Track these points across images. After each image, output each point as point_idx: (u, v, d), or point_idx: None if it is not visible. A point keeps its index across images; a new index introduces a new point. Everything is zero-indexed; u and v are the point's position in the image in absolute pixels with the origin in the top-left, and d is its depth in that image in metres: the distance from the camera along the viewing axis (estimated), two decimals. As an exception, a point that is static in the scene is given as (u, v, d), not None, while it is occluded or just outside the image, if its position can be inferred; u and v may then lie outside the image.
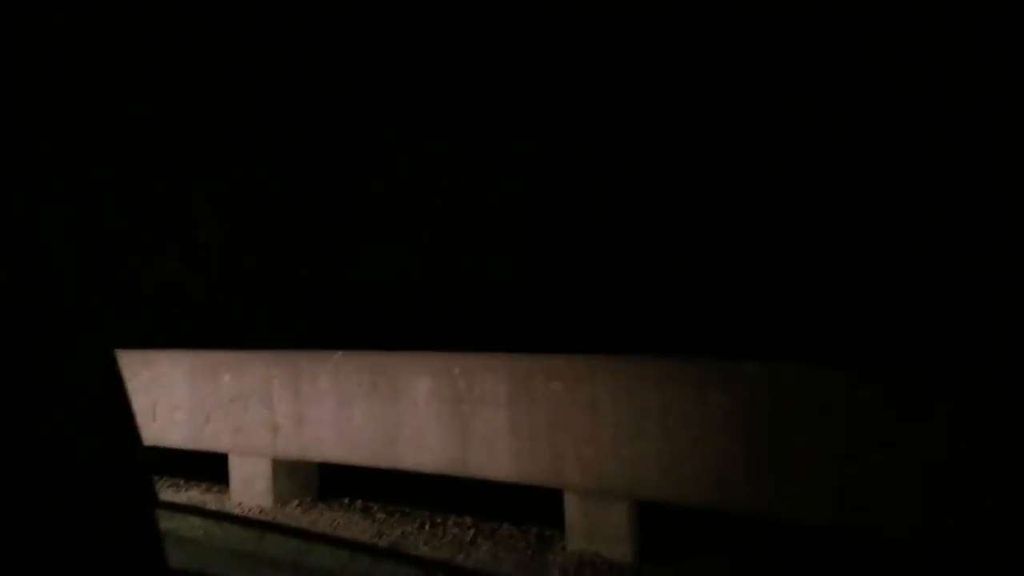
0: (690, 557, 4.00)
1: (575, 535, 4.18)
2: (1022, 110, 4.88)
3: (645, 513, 4.06)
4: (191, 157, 8.10)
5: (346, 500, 5.24)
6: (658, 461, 3.90)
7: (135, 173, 7.93)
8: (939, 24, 5.21)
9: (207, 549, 4.13)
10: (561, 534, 4.26)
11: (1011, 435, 3.15)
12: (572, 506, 4.20)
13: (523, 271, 6.65)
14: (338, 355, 5.06)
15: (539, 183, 6.81)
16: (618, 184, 6.48)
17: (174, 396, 5.63)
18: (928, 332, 4.83)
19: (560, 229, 6.72)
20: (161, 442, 5.60)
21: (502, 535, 4.46)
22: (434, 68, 7.10)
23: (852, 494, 3.45)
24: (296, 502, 5.26)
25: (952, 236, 5.15)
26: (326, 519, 4.94)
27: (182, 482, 5.78)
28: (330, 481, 5.38)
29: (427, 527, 4.65)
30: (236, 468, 5.42)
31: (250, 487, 5.33)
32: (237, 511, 5.19)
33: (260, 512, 5.14)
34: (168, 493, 5.55)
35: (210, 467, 5.62)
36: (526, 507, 4.53)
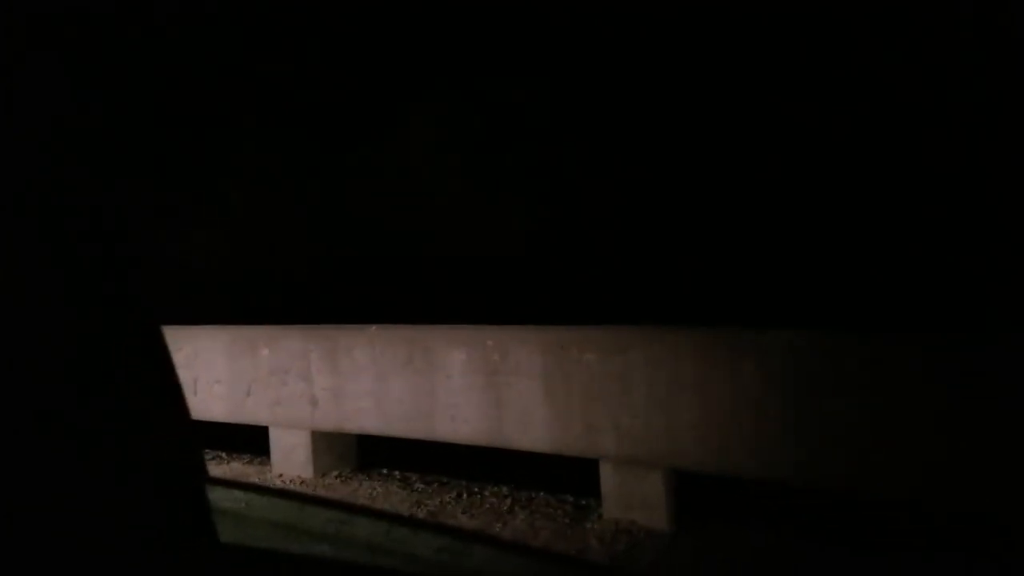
0: (726, 524, 4.02)
1: (611, 504, 4.21)
2: (1022, 110, 4.78)
3: (680, 481, 4.08)
4: (207, 137, 8.17)
5: (384, 471, 5.33)
6: (693, 430, 3.92)
7: (151, 153, 8.02)
8: (939, 24, 5.11)
9: (250, 521, 4.23)
10: (597, 503, 4.30)
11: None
12: (607, 475, 4.23)
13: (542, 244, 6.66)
14: (374, 329, 5.11)
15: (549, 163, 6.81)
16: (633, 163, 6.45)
17: (214, 370, 5.74)
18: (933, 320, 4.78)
19: (570, 206, 6.72)
20: (203, 415, 5.72)
21: (538, 504, 4.51)
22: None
23: (886, 459, 3.44)
24: (335, 473, 5.35)
25: (952, 232, 5.09)
26: (365, 489, 5.03)
27: (224, 455, 5.90)
28: (369, 453, 5.47)
29: (464, 496, 4.72)
30: (276, 440, 5.53)
31: (290, 459, 5.43)
32: (278, 482, 5.31)
33: (301, 483, 5.25)
34: (211, 466, 5.67)
35: (251, 440, 5.74)
36: (562, 477, 4.58)
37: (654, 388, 4.03)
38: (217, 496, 4.53)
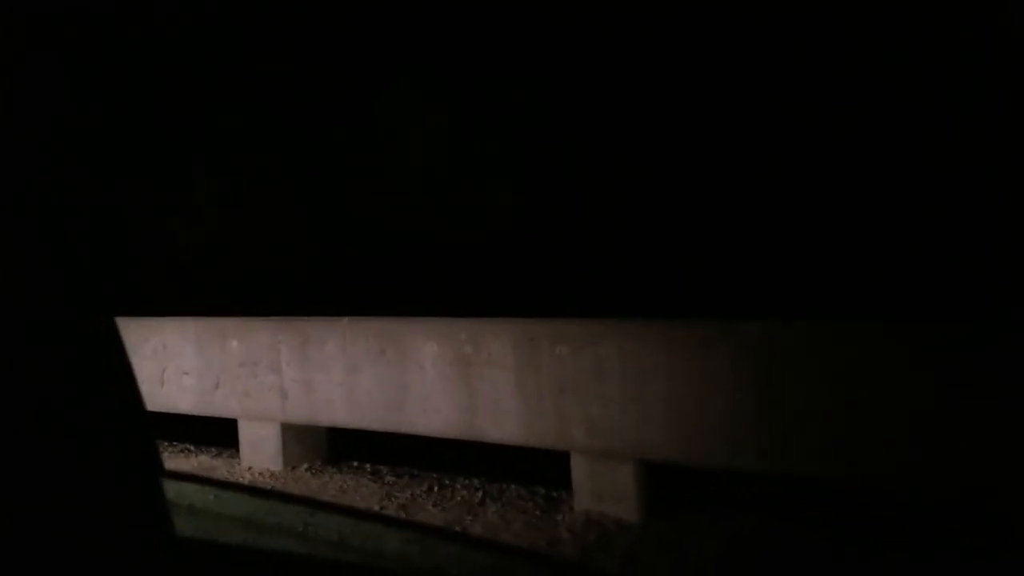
0: (696, 515, 4.04)
1: (582, 495, 4.21)
2: (1022, 110, 4.84)
3: (651, 473, 4.09)
4: (189, 121, 8.07)
5: (355, 464, 5.29)
6: (664, 422, 3.92)
7: (128, 142, 7.91)
8: (939, 24, 5.15)
9: (216, 516, 4.17)
10: (568, 495, 4.30)
11: (1004, 380, 3.18)
12: (579, 467, 4.23)
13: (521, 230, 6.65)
14: (346, 321, 5.07)
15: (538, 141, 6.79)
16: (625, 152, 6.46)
17: (182, 362, 5.66)
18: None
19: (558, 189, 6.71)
20: (171, 408, 5.65)
21: (510, 496, 4.50)
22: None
23: (855, 445, 3.47)
24: (305, 466, 5.31)
25: (953, 232, 5.15)
26: (335, 483, 4.99)
27: (192, 448, 5.83)
28: (339, 445, 5.43)
29: (436, 490, 4.69)
30: (246, 433, 5.46)
31: (260, 451, 5.38)
32: (247, 475, 5.25)
33: (270, 476, 5.20)
34: (178, 459, 5.60)
35: (220, 432, 5.67)
36: (534, 469, 4.57)
37: (626, 380, 4.03)
38: (183, 491, 4.47)
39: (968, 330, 3.40)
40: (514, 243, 6.60)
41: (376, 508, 4.50)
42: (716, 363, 3.78)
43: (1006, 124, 4.94)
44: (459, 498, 4.56)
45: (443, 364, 4.62)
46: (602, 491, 4.14)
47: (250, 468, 5.36)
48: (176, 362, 5.68)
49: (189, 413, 5.68)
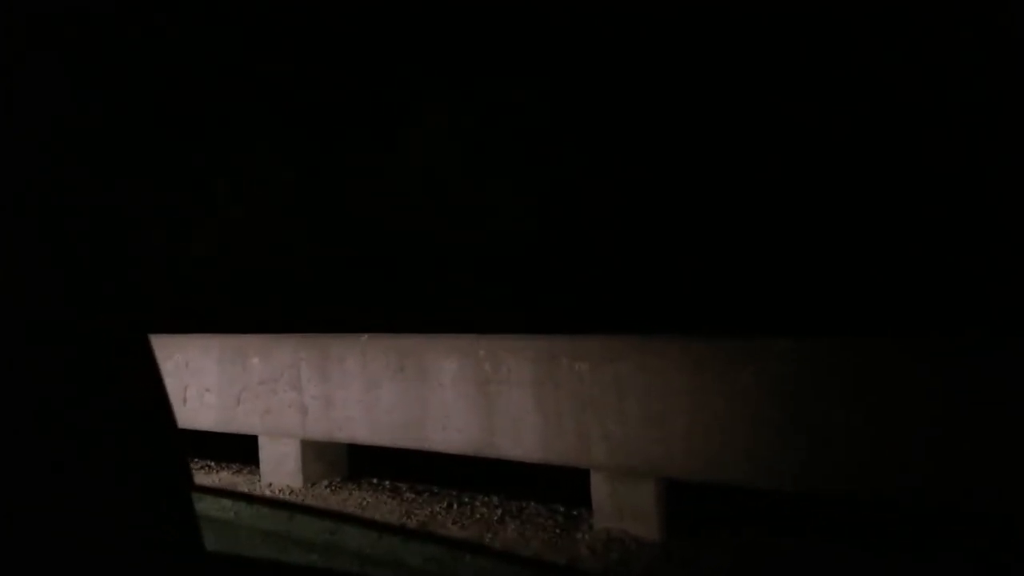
0: (718, 534, 4.01)
1: (602, 513, 4.20)
2: (1022, 110, 4.82)
3: (672, 490, 4.07)
4: (207, 135, 8.16)
5: (374, 480, 5.30)
6: (685, 439, 3.91)
7: (150, 154, 8.00)
8: (939, 24, 5.14)
9: (239, 530, 4.20)
10: (588, 512, 4.28)
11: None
12: (599, 485, 4.22)
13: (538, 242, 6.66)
14: (365, 337, 5.09)
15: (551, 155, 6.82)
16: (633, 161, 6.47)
17: (204, 379, 5.70)
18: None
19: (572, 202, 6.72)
20: (192, 425, 5.69)
21: (529, 514, 4.49)
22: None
23: (881, 465, 3.44)
24: (325, 482, 5.32)
25: (954, 234, 5.12)
26: (355, 499, 5.00)
27: (213, 464, 5.87)
28: (359, 461, 5.44)
29: (455, 507, 4.69)
30: (266, 449, 5.49)
31: (280, 468, 5.40)
32: (267, 492, 5.27)
33: (290, 493, 5.22)
34: (200, 475, 5.64)
35: (241, 449, 5.70)
36: (553, 486, 4.56)
37: (646, 397, 4.02)
38: (205, 506, 4.49)
39: (1002, 343, 3.36)
40: (526, 247, 6.61)
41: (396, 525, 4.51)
42: (739, 380, 3.77)
43: (1006, 124, 4.91)
44: (478, 515, 4.55)
45: (462, 381, 4.63)
46: (623, 509, 4.13)
47: (270, 485, 5.38)
48: (198, 379, 5.72)
49: (211, 430, 5.71)
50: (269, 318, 6.12)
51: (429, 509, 4.70)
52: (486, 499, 4.73)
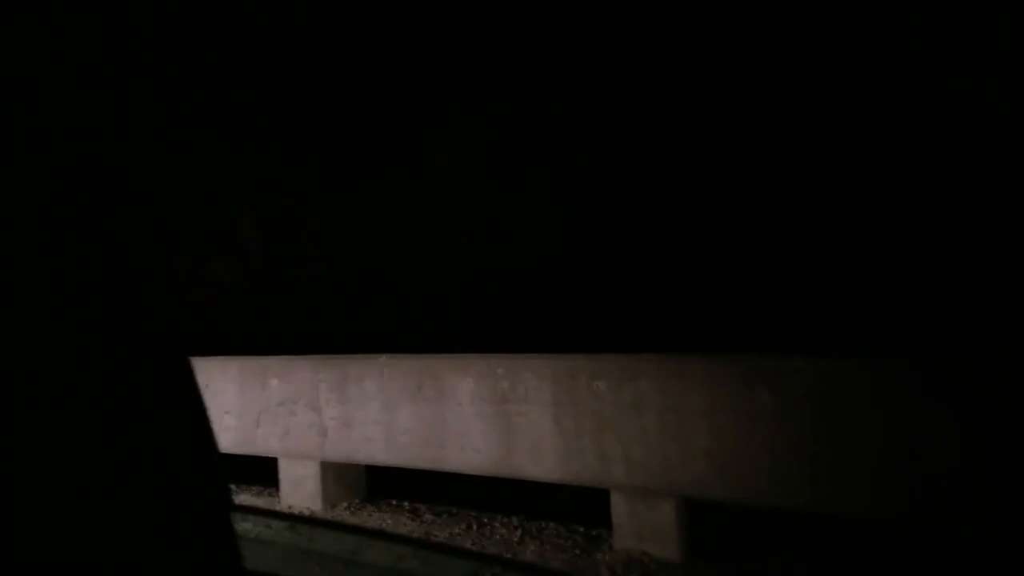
0: (739, 554, 4.00)
1: (622, 534, 4.20)
2: (1022, 110, 4.82)
3: (693, 511, 4.07)
4: (227, 155, 8.25)
5: (393, 502, 5.31)
6: (705, 459, 3.91)
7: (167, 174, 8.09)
8: (939, 24, 5.16)
9: (265, 548, 4.22)
10: (608, 533, 4.28)
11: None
12: (619, 505, 4.22)
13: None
14: (383, 358, 5.13)
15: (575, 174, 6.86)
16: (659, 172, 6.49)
17: (224, 401, 5.74)
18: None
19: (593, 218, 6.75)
20: (212, 447, 5.71)
21: (549, 535, 4.49)
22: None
23: (902, 486, 3.43)
24: (344, 504, 5.34)
25: (957, 236, 5.11)
26: (375, 520, 5.01)
27: (233, 487, 5.88)
28: (378, 483, 5.45)
29: (474, 528, 4.70)
30: (285, 471, 5.52)
31: (299, 490, 5.42)
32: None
33: (310, 515, 5.23)
34: (220, 497, 5.65)
35: (261, 471, 5.72)
36: (573, 507, 4.56)
37: (666, 416, 4.03)
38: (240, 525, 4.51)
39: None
40: (542, 265, 6.63)
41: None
42: (758, 399, 3.77)
43: (1006, 124, 4.90)
44: (498, 536, 4.55)
45: (480, 401, 4.65)
46: (643, 529, 4.12)
47: (290, 506, 5.40)
48: (218, 400, 5.76)
49: (230, 452, 5.74)
50: (288, 339, 6.16)
51: (449, 530, 4.71)
52: (505, 520, 4.74)
